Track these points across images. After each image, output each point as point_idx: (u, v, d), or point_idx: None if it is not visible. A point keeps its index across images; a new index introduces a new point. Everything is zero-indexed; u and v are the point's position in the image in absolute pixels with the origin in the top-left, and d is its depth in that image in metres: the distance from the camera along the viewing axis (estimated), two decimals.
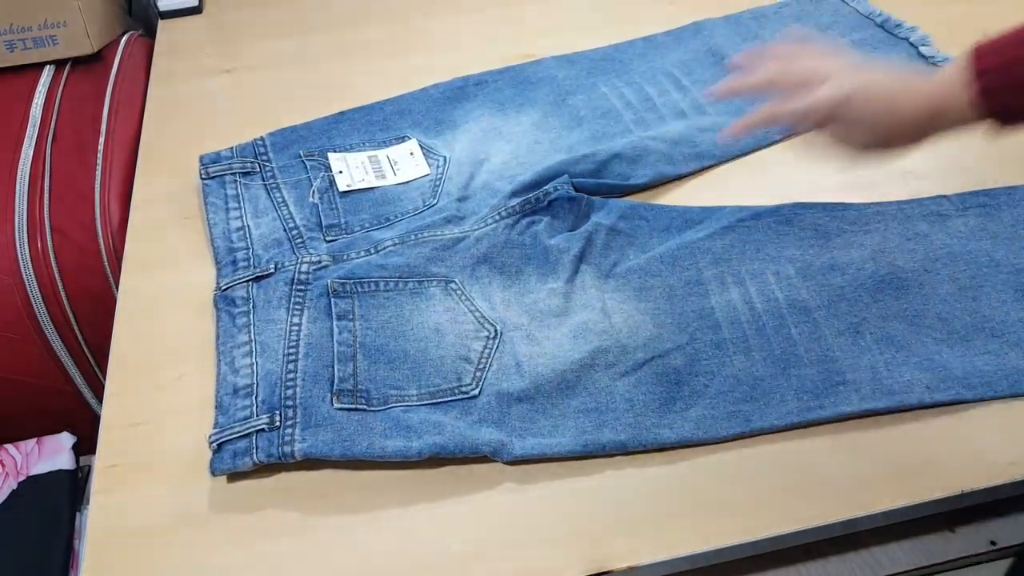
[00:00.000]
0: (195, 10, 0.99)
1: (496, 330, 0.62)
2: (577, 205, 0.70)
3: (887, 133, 0.52)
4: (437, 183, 0.74)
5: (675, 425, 0.57)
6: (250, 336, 0.61)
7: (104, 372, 0.62)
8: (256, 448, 0.54)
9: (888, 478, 0.55)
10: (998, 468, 0.56)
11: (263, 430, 0.55)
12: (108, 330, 0.64)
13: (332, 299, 0.62)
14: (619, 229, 0.69)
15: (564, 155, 0.74)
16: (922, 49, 0.88)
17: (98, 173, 0.78)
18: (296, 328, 0.61)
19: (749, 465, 0.56)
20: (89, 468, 0.74)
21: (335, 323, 0.61)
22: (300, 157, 0.76)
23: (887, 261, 0.67)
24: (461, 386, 0.58)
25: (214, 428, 0.56)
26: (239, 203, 0.72)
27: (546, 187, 0.70)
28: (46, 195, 0.76)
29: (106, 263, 0.75)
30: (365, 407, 0.57)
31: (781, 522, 0.53)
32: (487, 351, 0.60)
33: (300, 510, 0.54)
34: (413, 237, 0.67)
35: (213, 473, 0.54)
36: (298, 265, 0.65)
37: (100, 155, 0.79)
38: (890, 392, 0.58)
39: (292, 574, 0.51)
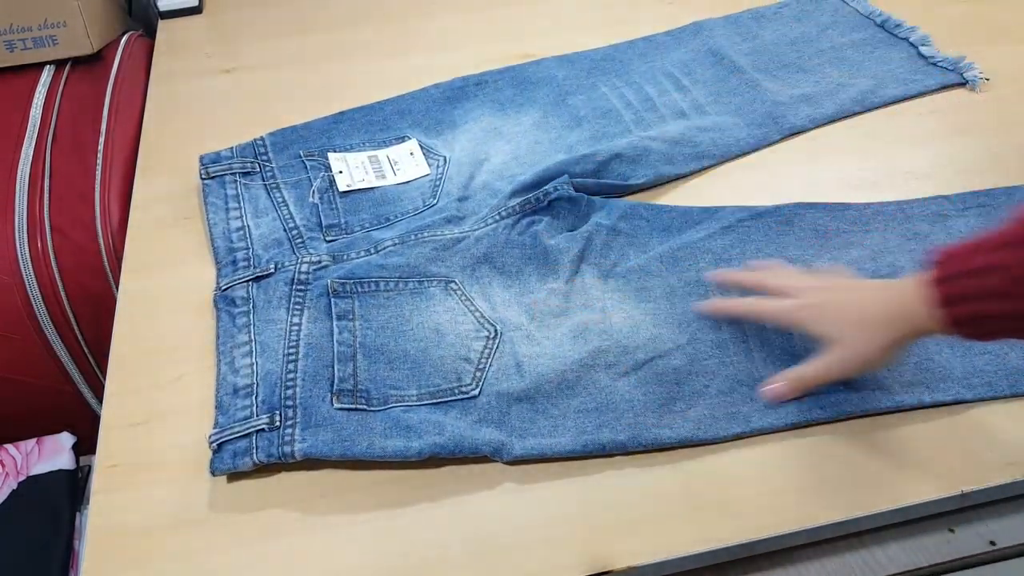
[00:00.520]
0: (195, 10, 0.99)
1: (496, 330, 0.62)
2: (577, 205, 0.70)
3: (857, 345, 0.53)
4: (437, 183, 0.74)
5: (675, 425, 0.57)
6: (250, 336, 0.61)
7: (104, 372, 0.62)
8: (256, 448, 0.54)
9: (888, 478, 0.55)
10: (998, 468, 0.56)
11: (263, 430, 0.55)
12: (108, 330, 0.64)
13: (332, 299, 0.62)
14: (619, 229, 0.69)
15: (564, 155, 0.74)
16: (922, 49, 0.88)
17: (98, 173, 0.78)
18: (296, 328, 0.61)
19: (749, 465, 0.56)
20: (89, 468, 0.74)
21: (335, 323, 0.61)
22: (300, 157, 0.76)
23: (887, 261, 0.67)
24: (461, 386, 0.58)
25: (214, 428, 0.56)
26: (239, 203, 0.72)
27: (546, 187, 0.70)
28: (46, 195, 0.76)
29: (106, 263, 0.75)
30: (365, 407, 0.57)
31: (781, 522, 0.53)
32: (487, 351, 0.60)
33: (300, 510, 0.54)
34: (413, 237, 0.67)
35: (213, 473, 0.54)
36: (298, 265, 0.65)
37: (100, 155, 0.79)
38: (890, 392, 0.58)
39: (292, 574, 0.51)
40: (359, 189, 0.73)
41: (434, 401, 0.58)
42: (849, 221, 0.70)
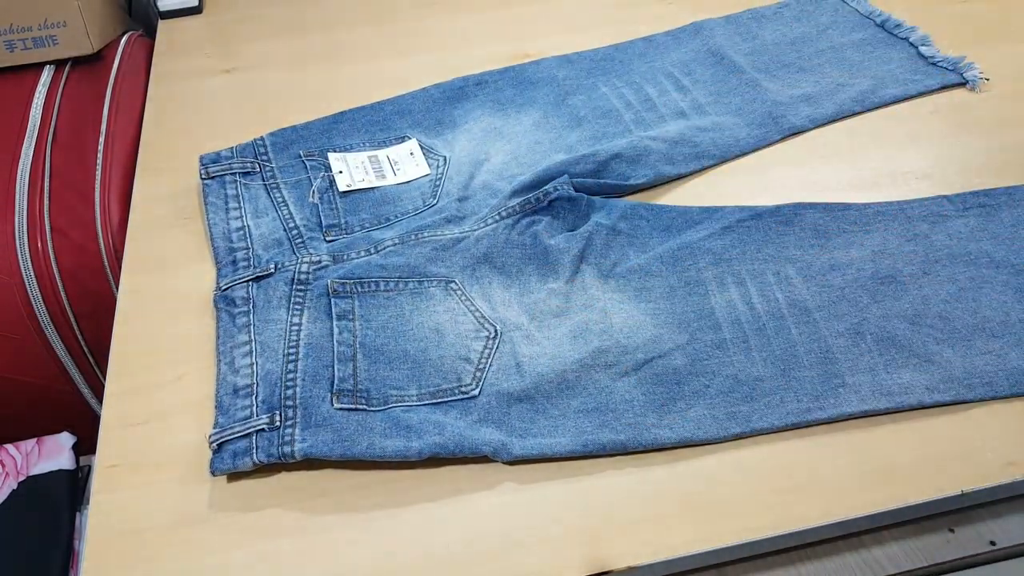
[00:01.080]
0: (195, 10, 0.99)
1: (496, 330, 0.62)
2: (577, 205, 0.70)
3: None
4: (437, 183, 0.74)
5: (675, 425, 0.57)
6: (250, 336, 0.61)
7: (104, 372, 0.62)
8: (256, 448, 0.54)
9: (888, 478, 0.55)
10: (998, 468, 0.56)
11: (263, 430, 0.55)
12: (108, 330, 0.64)
13: (332, 299, 0.62)
14: (619, 229, 0.69)
15: (564, 155, 0.74)
16: (922, 49, 0.88)
17: (98, 173, 0.78)
18: (296, 328, 0.61)
19: (749, 465, 0.56)
20: (89, 468, 0.74)
21: (335, 323, 0.61)
22: (300, 157, 0.76)
23: (887, 262, 0.67)
24: (461, 386, 0.58)
25: (214, 428, 0.56)
26: (239, 203, 0.72)
27: (546, 187, 0.70)
28: (46, 195, 0.76)
29: (106, 263, 0.75)
30: (365, 407, 0.57)
31: (781, 522, 0.53)
32: (487, 351, 0.60)
33: (300, 510, 0.54)
34: (413, 237, 0.67)
35: (213, 473, 0.54)
36: (298, 265, 0.65)
37: (100, 155, 0.79)
38: (889, 393, 0.58)
39: (292, 574, 0.51)
40: (359, 189, 0.73)
41: (434, 401, 0.58)
42: (849, 221, 0.70)
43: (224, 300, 0.64)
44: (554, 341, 0.61)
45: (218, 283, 0.65)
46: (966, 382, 0.59)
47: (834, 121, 0.82)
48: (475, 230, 0.68)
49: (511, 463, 0.56)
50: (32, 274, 0.73)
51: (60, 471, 0.73)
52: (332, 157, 0.76)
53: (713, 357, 0.61)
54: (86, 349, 0.79)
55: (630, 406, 0.58)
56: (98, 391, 0.83)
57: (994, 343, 0.62)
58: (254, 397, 0.57)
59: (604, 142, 0.77)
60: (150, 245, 0.71)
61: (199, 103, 0.85)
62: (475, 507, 0.54)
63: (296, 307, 0.63)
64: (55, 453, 0.74)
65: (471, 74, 0.86)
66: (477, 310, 0.63)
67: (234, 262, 0.67)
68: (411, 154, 0.77)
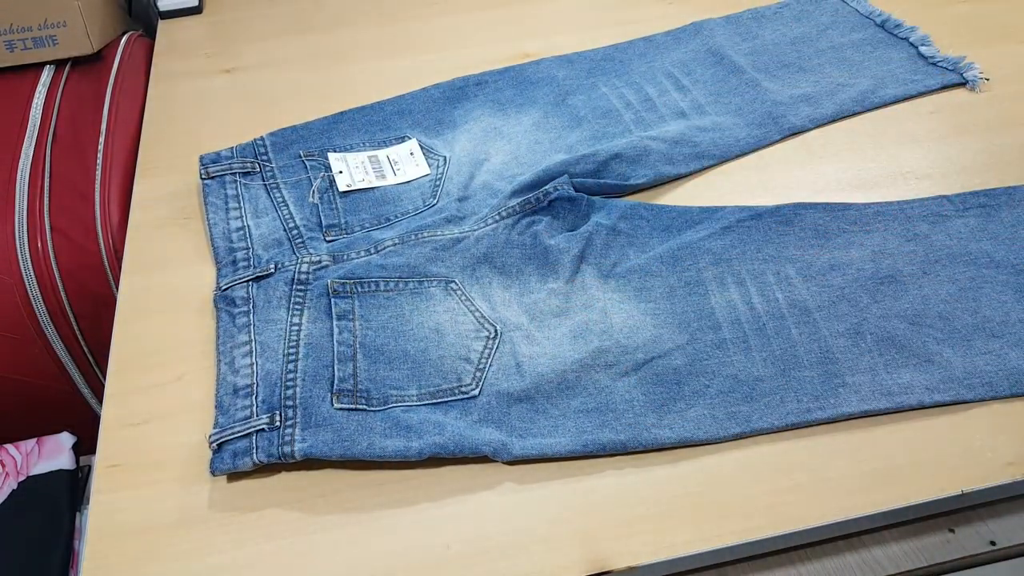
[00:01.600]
0: (195, 10, 0.99)
1: (496, 330, 0.62)
2: (577, 205, 0.70)
3: None
4: (437, 183, 0.74)
5: (675, 425, 0.57)
6: (250, 336, 0.61)
7: (104, 372, 0.62)
8: (256, 448, 0.54)
9: (888, 478, 0.55)
10: (998, 468, 0.56)
11: (263, 430, 0.55)
12: (108, 330, 0.64)
13: (332, 299, 0.62)
14: (619, 229, 0.69)
15: (564, 155, 0.74)
16: (922, 49, 0.88)
17: (98, 173, 0.78)
18: (296, 328, 0.61)
19: (749, 465, 0.56)
20: (89, 468, 0.74)
21: (335, 323, 0.61)
22: (300, 157, 0.76)
23: (887, 262, 0.67)
24: (461, 386, 0.58)
25: (214, 428, 0.56)
26: (239, 203, 0.72)
27: (546, 187, 0.70)
28: (46, 195, 0.76)
29: (106, 263, 0.75)
30: (365, 407, 0.57)
31: (781, 522, 0.53)
32: (487, 351, 0.60)
33: (300, 510, 0.54)
34: (413, 237, 0.67)
35: (213, 473, 0.54)
36: (298, 265, 0.65)
37: (100, 155, 0.79)
38: (889, 393, 0.58)
39: (292, 574, 0.51)
40: (359, 189, 0.73)
41: (434, 401, 0.58)
42: (849, 221, 0.70)
43: (224, 300, 0.64)
44: (554, 341, 0.61)
45: (218, 283, 0.65)
46: (966, 382, 0.59)
47: (834, 121, 0.82)
48: (475, 230, 0.68)
49: (511, 463, 0.56)
50: (32, 274, 0.73)
51: (60, 471, 0.73)
52: (332, 157, 0.76)
53: (713, 357, 0.61)
54: (86, 349, 0.79)
55: (630, 406, 0.58)
56: (98, 391, 0.83)
57: (994, 343, 0.62)
58: (254, 397, 0.57)
59: (604, 142, 0.77)
60: (150, 245, 0.71)
61: (199, 103, 0.85)
62: (475, 507, 0.54)
63: (296, 307, 0.63)
64: (55, 453, 0.74)
65: (471, 74, 0.86)
66: (477, 310, 0.63)
67: (234, 262, 0.67)
68: (411, 154, 0.77)
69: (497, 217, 0.69)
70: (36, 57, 0.87)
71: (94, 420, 0.59)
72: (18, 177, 0.76)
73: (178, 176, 0.76)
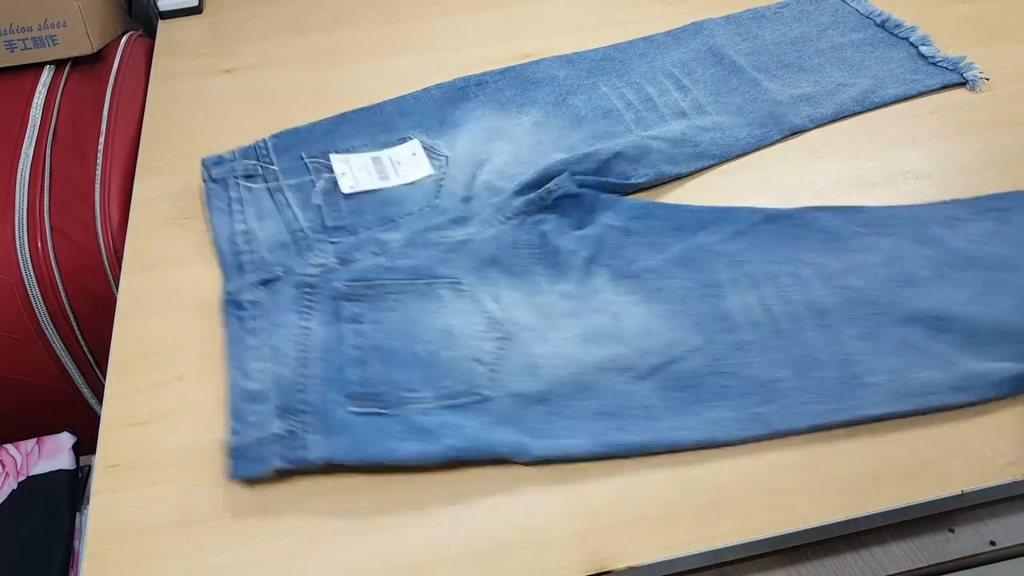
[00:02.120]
0: (195, 10, 0.99)
1: (507, 331, 0.61)
2: (582, 201, 0.69)
3: None
4: (440, 183, 0.74)
5: (696, 427, 0.56)
6: (260, 341, 0.60)
7: (104, 372, 0.62)
8: (274, 455, 0.54)
9: (888, 478, 0.55)
10: (997, 468, 0.55)
11: (280, 436, 0.54)
12: (108, 330, 0.64)
13: (341, 302, 0.62)
14: (630, 230, 0.68)
15: (565, 154, 0.74)
16: (922, 49, 0.88)
17: (98, 173, 0.78)
18: (306, 332, 0.61)
19: (749, 465, 0.56)
20: (89, 468, 0.74)
21: (345, 326, 0.61)
22: (303, 159, 0.75)
23: (902, 265, 0.66)
24: (474, 388, 0.58)
25: (230, 435, 0.55)
26: (242, 206, 0.71)
27: (549, 185, 0.70)
28: (46, 195, 0.76)
29: (106, 263, 0.75)
30: (380, 411, 0.56)
31: (781, 522, 0.53)
32: (499, 353, 0.60)
33: (300, 510, 0.54)
34: (420, 238, 0.67)
35: (233, 479, 0.53)
36: (305, 268, 0.65)
37: (100, 155, 0.79)
38: (910, 395, 0.58)
39: (292, 574, 0.51)
40: (363, 191, 0.73)
41: (449, 403, 0.57)
42: (862, 224, 0.70)
43: (232, 305, 0.63)
44: (567, 343, 0.61)
45: (225, 288, 0.65)
46: (985, 384, 0.59)
47: (834, 121, 0.82)
48: (482, 231, 0.68)
49: (530, 464, 0.55)
50: (32, 274, 0.73)
51: (60, 471, 0.73)
52: (335, 159, 0.75)
53: (732, 358, 0.60)
54: (86, 349, 0.79)
55: (648, 410, 0.57)
56: (98, 391, 0.83)
57: (1011, 348, 0.61)
58: (268, 403, 0.56)
59: (605, 142, 0.77)
60: (150, 245, 0.71)
61: (199, 103, 0.85)
62: (475, 507, 0.54)
63: (305, 310, 0.62)
64: (55, 453, 0.74)
65: (472, 74, 0.86)
66: (487, 311, 0.63)
67: (240, 266, 0.66)
68: (413, 155, 0.77)
69: (503, 218, 0.69)
70: (36, 57, 0.87)
71: (94, 420, 0.59)
72: (18, 177, 0.76)
73: (178, 176, 0.76)
